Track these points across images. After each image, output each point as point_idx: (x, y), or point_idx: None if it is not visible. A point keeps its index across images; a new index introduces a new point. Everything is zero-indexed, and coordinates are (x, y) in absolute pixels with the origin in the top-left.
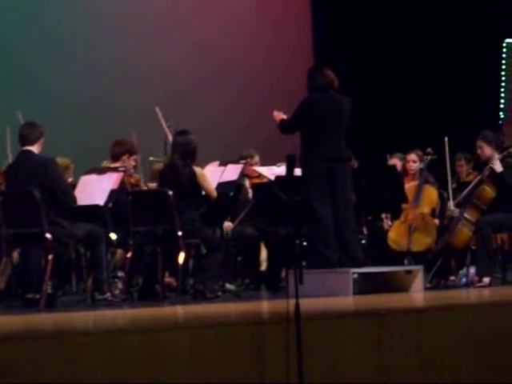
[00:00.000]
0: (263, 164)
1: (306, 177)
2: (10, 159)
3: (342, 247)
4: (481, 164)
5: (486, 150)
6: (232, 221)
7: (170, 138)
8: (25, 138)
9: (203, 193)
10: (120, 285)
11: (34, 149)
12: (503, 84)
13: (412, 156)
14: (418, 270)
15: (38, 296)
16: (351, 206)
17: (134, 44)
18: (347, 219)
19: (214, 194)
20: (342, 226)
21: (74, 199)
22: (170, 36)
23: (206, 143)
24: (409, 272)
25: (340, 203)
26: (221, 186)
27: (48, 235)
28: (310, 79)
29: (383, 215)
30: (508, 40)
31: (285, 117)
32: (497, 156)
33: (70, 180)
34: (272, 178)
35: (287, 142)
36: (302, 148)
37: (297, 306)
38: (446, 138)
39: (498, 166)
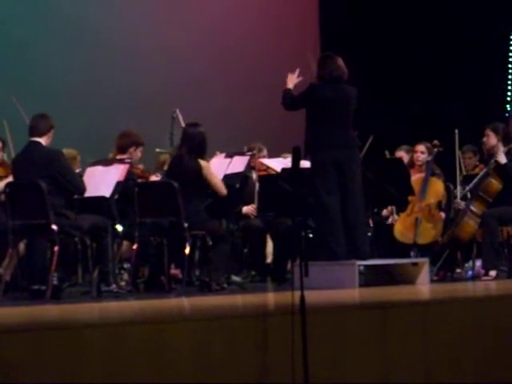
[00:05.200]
0: (270, 154)
1: (313, 167)
2: (13, 152)
3: (348, 239)
4: (486, 157)
5: (492, 140)
6: (248, 204)
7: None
8: (34, 129)
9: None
10: (126, 276)
11: (43, 140)
12: (510, 77)
13: (421, 147)
14: (424, 262)
15: (43, 287)
16: (360, 198)
17: (140, 33)
18: (355, 211)
19: (223, 191)
20: (349, 218)
21: (84, 186)
22: (176, 25)
23: (211, 133)
24: (415, 264)
25: (348, 195)
26: (227, 177)
27: (54, 227)
28: (320, 68)
29: (384, 211)
30: None
31: (291, 86)
32: (502, 148)
33: (77, 171)
34: (278, 169)
35: (294, 131)
36: (308, 137)
37: (302, 298)
38: (457, 131)
39: (502, 158)
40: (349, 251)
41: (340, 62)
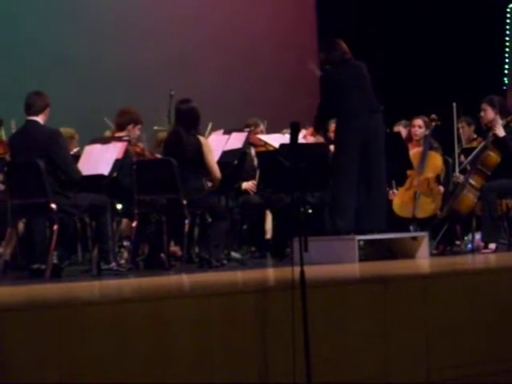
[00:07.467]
0: (268, 130)
1: (339, 139)
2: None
3: (363, 209)
4: (485, 130)
5: (489, 114)
6: (247, 180)
7: None
8: (30, 107)
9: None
10: (125, 254)
11: (40, 119)
12: (507, 50)
13: (418, 121)
14: (424, 236)
15: (43, 266)
16: (383, 170)
17: (137, 10)
18: (377, 182)
19: (218, 174)
20: (370, 188)
21: (78, 172)
22: (173, 2)
23: (209, 110)
24: (414, 238)
25: (371, 166)
26: (225, 154)
27: (53, 205)
28: (326, 51)
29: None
30: None
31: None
32: (500, 121)
33: (75, 150)
34: (276, 145)
35: (294, 107)
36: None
37: (302, 273)
38: (454, 104)
39: (500, 131)
40: (365, 220)
41: (343, 44)
